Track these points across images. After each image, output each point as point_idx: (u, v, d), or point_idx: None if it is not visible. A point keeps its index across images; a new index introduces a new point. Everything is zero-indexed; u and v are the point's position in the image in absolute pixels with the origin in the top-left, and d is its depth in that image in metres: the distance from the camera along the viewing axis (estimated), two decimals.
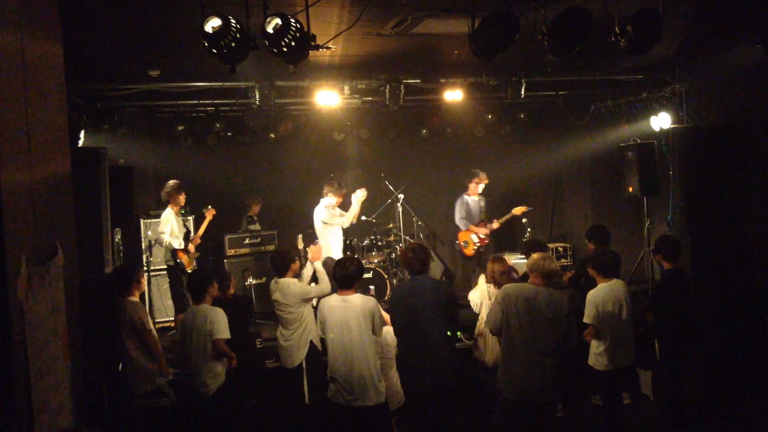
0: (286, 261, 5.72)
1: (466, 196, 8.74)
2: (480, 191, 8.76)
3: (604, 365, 5.22)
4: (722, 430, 5.73)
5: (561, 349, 4.60)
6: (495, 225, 8.60)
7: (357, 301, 4.77)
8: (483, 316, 5.80)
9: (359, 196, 7.78)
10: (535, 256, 4.83)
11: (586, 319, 5.24)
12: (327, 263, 8.07)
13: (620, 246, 7.25)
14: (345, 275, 4.77)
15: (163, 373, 5.46)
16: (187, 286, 5.18)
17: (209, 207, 8.04)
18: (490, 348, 5.71)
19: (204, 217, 7.98)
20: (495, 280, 5.72)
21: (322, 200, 7.98)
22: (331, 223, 7.87)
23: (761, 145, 6.32)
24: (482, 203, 8.79)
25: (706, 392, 6.09)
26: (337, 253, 7.86)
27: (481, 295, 5.87)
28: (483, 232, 8.59)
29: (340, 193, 8.00)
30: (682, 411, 5.66)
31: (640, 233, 8.15)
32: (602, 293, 5.22)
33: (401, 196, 8.56)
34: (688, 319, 5.56)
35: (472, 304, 5.96)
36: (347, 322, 4.70)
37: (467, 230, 8.61)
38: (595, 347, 5.28)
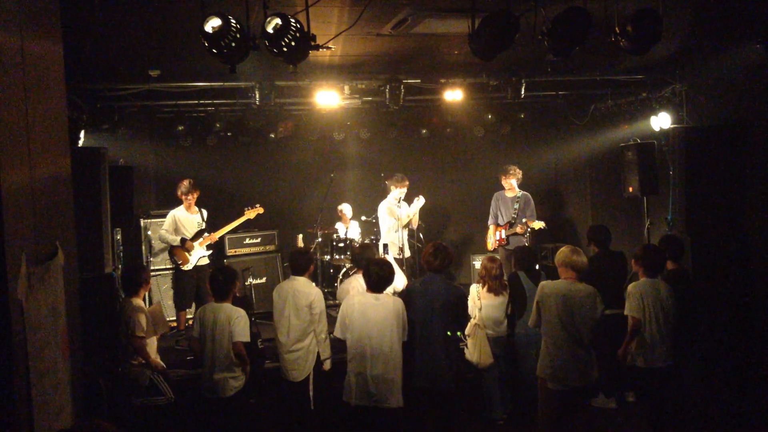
0: (306, 260, 5.56)
1: (499, 192, 8.57)
2: (512, 187, 8.38)
3: (643, 363, 5.07)
4: (722, 430, 5.73)
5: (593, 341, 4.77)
6: (518, 230, 8.22)
7: (389, 301, 4.72)
8: (475, 318, 5.86)
9: (419, 203, 8.10)
10: (564, 250, 4.92)
11: (628, 312, 5.09)
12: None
13: (620, 246, 7.25)
14: (381, 277, 4.74)
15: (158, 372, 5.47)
16: (212, 282, 5.12)
17: (257, 206, 8.09)
18: (479, 349, 5.75)
19: (242, 214, 8.00)
20: (484, 281, 5.95)
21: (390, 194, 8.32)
22: (389, 218, 8.18)
23: (761, 145, 6.31)
24: (516, 204, 8.32)
25: (706, 392, 6.08)
26: (392, 250, 7.99)
27: (471, 298, 5.97)
28: (505, 233, 8.34)
29: (402, 185, 8.19)
30: (683, 411, 5.66)
31: (640, 233, 8.15)
32: (643, 287, 5.08)
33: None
34: (689, 319, 5.55)
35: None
36: (380, 321, 4.59)
37: (494, 226, 8.52)
38: (635, 343, 5.10)
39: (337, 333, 4.81)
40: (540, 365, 4.83)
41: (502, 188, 8.58)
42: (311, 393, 5.36)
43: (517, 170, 8.39)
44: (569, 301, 4.68)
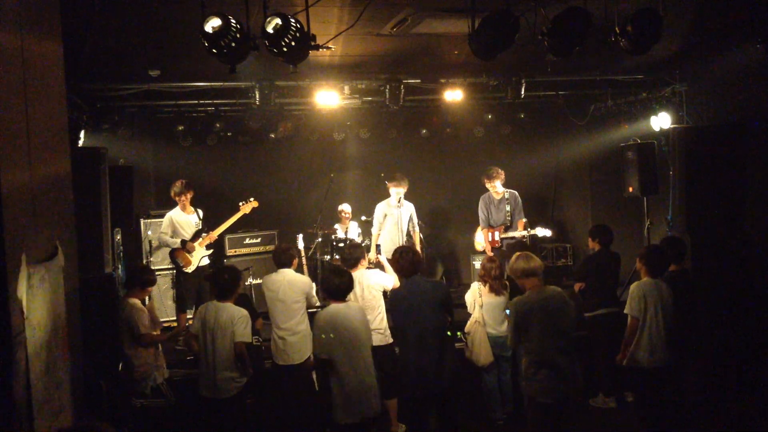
0: (290, 257, 5.80)
1: (486, 195, 8.36)
2: (496, 190, 8.13)
3: (646, 363, 5.04)
4: (722, 429, 5.73)
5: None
6: (517, 234, 7.97)
7: (355, 307, 4.80)
8: (475, 315, 5.86)
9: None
10: (518, 262, 4.68)
11: (628, 311, 5.08)
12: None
13: (620, 246, 7.25)
14: (341, 286, 4.72)
15: (160, 370, 5.47)
16: (216, 281, 5.13)
17: (251, 199, 7.94)
18: (480, 347, 5.75)
19: (237, 210, 7.87)
20: (485, 280, 5.93)
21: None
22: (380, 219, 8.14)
23: (761, 145, 6.32)
24: (508, 206, 8.11)
25: (706, 392, 6.09)
26: (386, 249, 7.81)
27: (473, 295, 5.95)
28: (497, 236, 8.14)
29: (399, 185, 8.03)
30: (683, 411, 5.66)
31: (640, 233, 8.15)
32: (646, 287, 5.05)
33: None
34: (692, 319, 5.56)
35: (467, 304, 6.02)
36: (357, 328, 4.65)
37: (485, 228, 8.34)
38: (632, 342, 5.08)
39: (323, 352, 4.63)
40: (527, 383, 4.63)
41: (506, 187, 8.46)
42: (314, 375, 5.59)
43: (500, 171, 8.14)
44: (548, 310, 4.51)
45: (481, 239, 8.46)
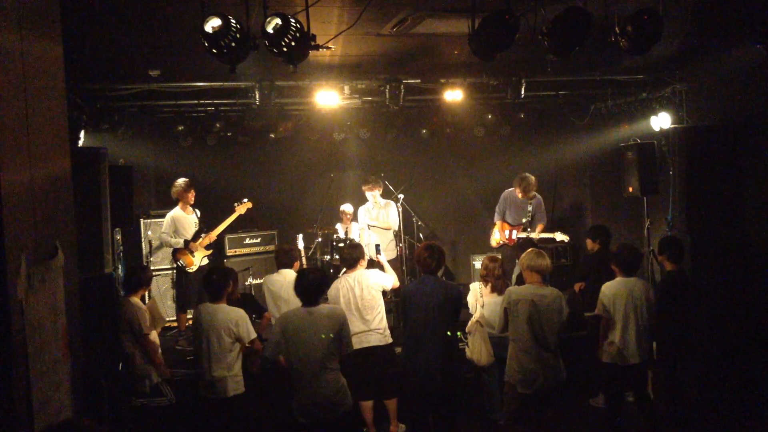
0: (293, 257, 5.91)
1: (510, 192, 8.41)
2: (525, 196, 8.21)
3: (611, 359, 5.25)
4: (722, 430, 5.73)
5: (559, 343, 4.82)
6: (533, 235, 8.07)
7: (323, 313, 4.57)
8: (476, 315, 5.87)
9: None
10: (530, 253, 4.95)
11: (598, 310, 5.31)
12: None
13: None
14: (310, 286, 4.54)
15: (161, 373, 5.48)
16: (206, 282, 5.12)
17: (245, 200, 8.04)
18: (480, 347, 5.76)
19: (233, 211, 7.95)
20: (486, 280, 5.96)
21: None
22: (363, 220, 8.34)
23: (761, 145, 6.31)
24: (530, 207, 8.19)
25: (706, 392, 6.09)
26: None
27: (474, 295, 5.97)
28: (516, 233, 8.22)
29: (373, 188, 8.25)
30: (682, 411, 5.66)
31: (640, 233, 8.15)
32: (616, 287, 5.25)
33: (401, 196, 8.57)
34: (689, 319, 5.57)
35: (469, 305, 6.03)
36: (311, 338, 4.47)
37: (501, 222, 8.42)
38: (605, 340, 5.30)
39: (273, 355, 4.59)
40: (508, 370, 4.86)
41: (506, 187, 8.52)
42: None
43: (534, 184, 8.19)
44: (538, 306, 4.72)
45: (497, 235, 8.48)
